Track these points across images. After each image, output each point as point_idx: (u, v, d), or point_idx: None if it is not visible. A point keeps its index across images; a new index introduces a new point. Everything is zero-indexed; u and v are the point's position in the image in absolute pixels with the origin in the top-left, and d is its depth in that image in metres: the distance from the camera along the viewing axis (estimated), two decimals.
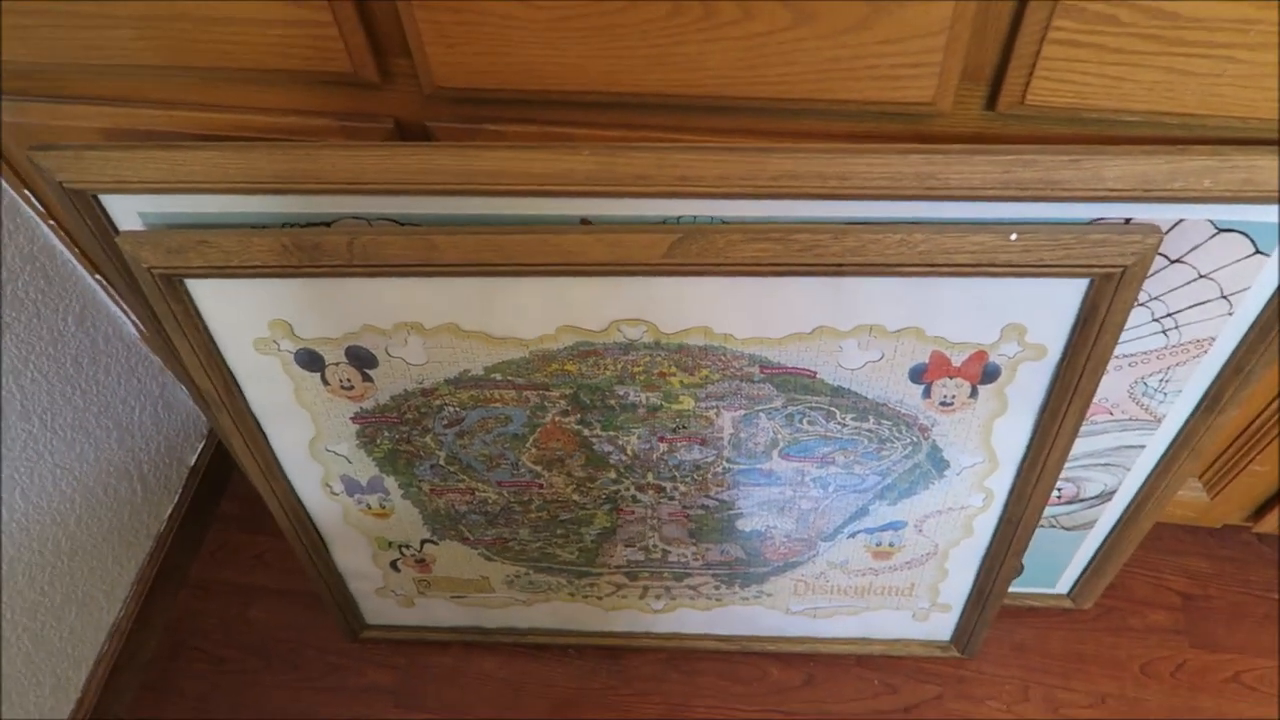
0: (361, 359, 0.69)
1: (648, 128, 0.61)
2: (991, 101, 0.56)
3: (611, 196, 0.58)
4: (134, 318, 0.94)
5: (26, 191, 0.80)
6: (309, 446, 0.77)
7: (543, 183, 0.57)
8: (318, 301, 0.65)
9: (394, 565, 0.91)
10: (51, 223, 0.83)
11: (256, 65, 0.62)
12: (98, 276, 0.89)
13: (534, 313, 0.65)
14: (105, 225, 0.65)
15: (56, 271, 0.85)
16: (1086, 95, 0.53)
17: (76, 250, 0.86)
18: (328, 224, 0.63)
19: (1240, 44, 0.49)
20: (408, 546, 0.88)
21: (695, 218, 0.59)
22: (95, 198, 0.63)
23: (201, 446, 1.10)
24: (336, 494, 0.82)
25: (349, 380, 0.71)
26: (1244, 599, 0.98)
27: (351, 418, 0.74)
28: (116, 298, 0.92)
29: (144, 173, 0.61)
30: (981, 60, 0.54)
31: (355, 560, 0.90)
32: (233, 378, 0.71)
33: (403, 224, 0.62)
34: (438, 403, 0.72)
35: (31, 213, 0.82)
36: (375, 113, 0.65)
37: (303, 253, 0.61)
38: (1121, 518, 0.83)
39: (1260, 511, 0.89)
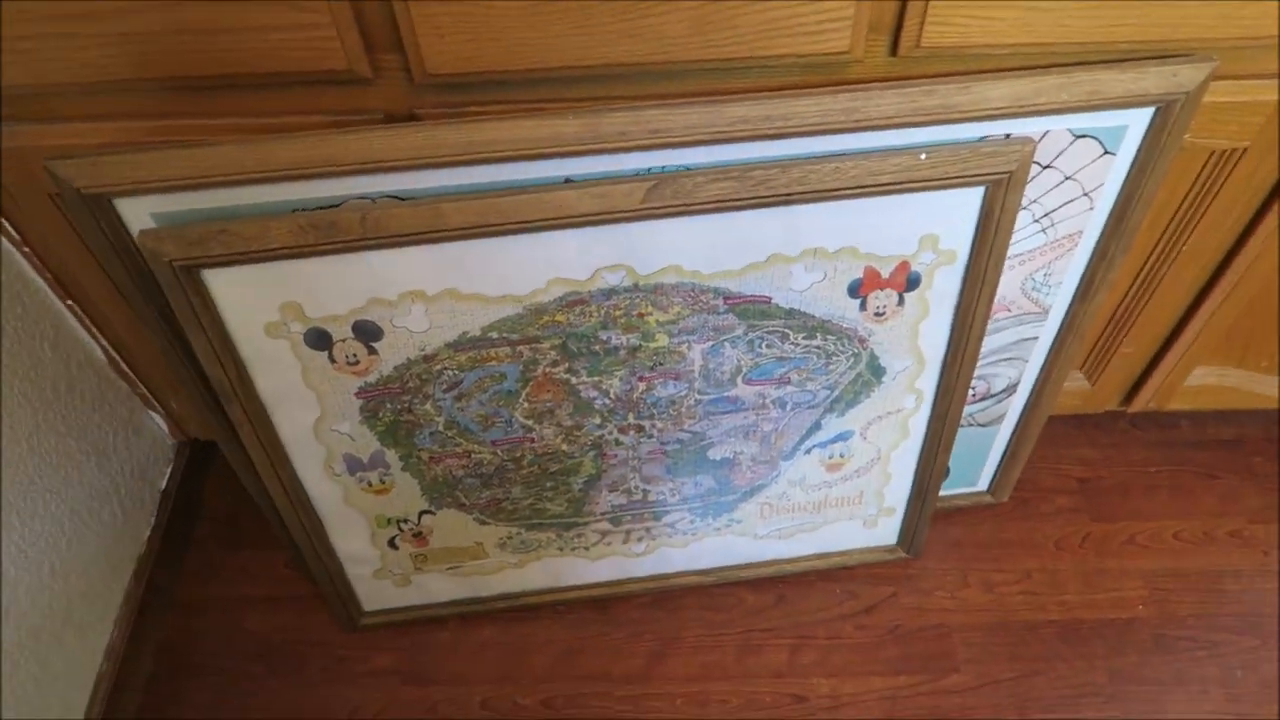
0: (368, 333, 0.76)
1: (618, 98, 0.71)
2: (894, 48, 0.69)
3: (595, 154, 0.68)
4: (104, 342, 0.97)
5: (2, 220, 0.83)
6: (314, 428, 0.83)
7: (535, 146, 0.67)
8: (327, 280, 0.72)
9: (392, 543, 0.96)
10: (26, 249, 0.85)
11: (251, 70, 0.68)
12: (69, 302, 0.92)
13: (526, 269, 0.73)
14: (118, 229, 0.70)
15: (31, 299, 0.88)
16: (967, 35, 0.67)
17: (50, 276, 0.89)
18: (335, 206, 0.70)
19: None
20: (406, 521, 0.94)
21: (665, 168, 0.70)
22: (110, 202, 0.68)
23: (169, 469, 1.11)
24: (338, 474, 0.88)
25: (355, 355, 0.77)
26: (1128, 475, 1.15)
27: (356, 393, 0.80)
28: (88, 323, 0.94)
29: (162, 171, 0.66)
30: (883, 14, 0.67)
31: (354, 543, 0.95)
32: (244, 366, 0.77)
33: (404, 199, 0.70)
34: (438, 368, 0.79)
35: (6, 241, 0.84)
36: (364, 108, 0.73)
37: (318, 231, 0.68)
38: (1025, 407, 0.98)
39: (1131, 393, 1.06)
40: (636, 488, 0.95)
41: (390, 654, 1.04)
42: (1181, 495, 1.13)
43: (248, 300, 0.73)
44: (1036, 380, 0.94)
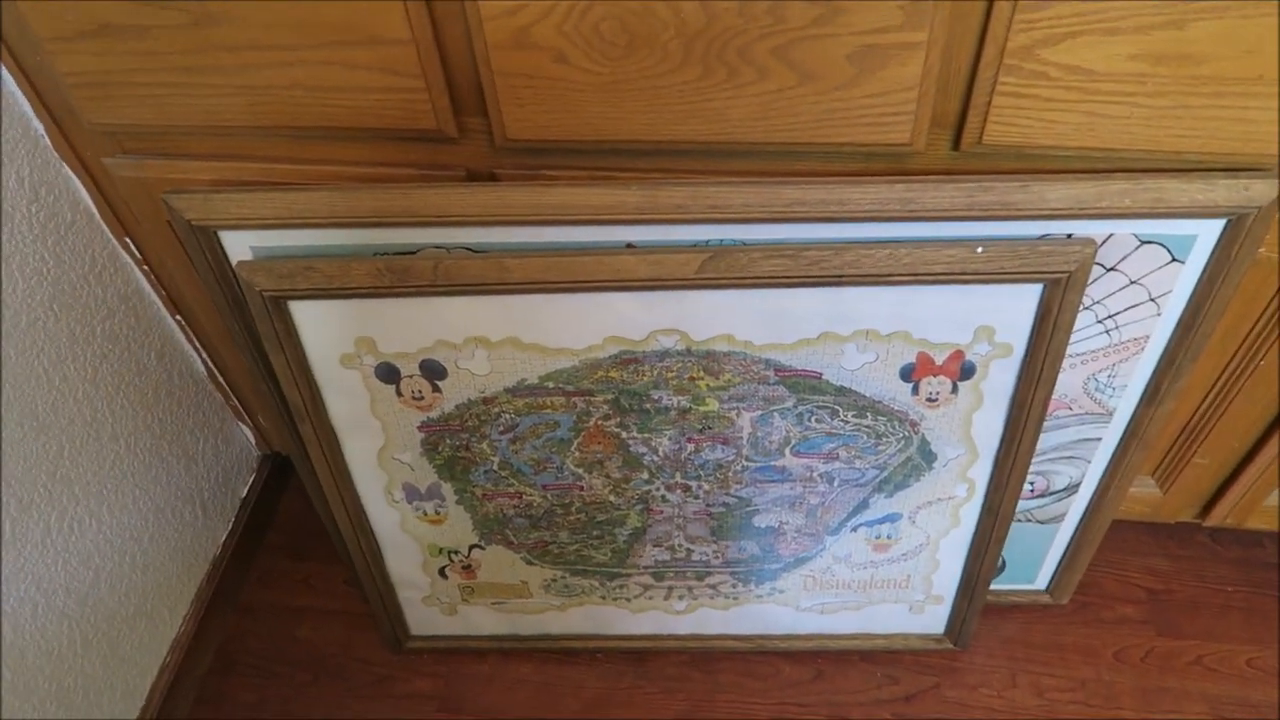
0: (434, 371, 0.81)
1: (681, 170, 0.75)
2: (956, 142, 0.70)
3: (654, 224, 0.71)
4: (205, 355, 1.05)
5: (126, 239, 0.92)
6: (378, 455, 0.88)
7: (598, 213, 0.71)
8: (400, 320, 0.77)
9: (442, 572, 1.00)
10: (145, 268, 0.95)
11: (352, 124, 0.75)
12: (178, 317, 1.00)
13: (584, 326, 0.77)
14: (221, 258, 0.77)
15: (144, 311, 0.97)
16: (1029, 135, 0.68)
17: (163, 293, 0.98)
18: (412, 253, 0.75)
19: (1141, 92, 0.64)
20: (456, 552, 0.98)
21: (722, 241, 0.73)
22: (215, 234, 0.76)
23: (252, 479, 1.19)
24: (397, 501, 0.92)
25: (420, 391, 0.82)
26: (1201, 592, 1.09)
27: (418, 426, 0.85)
28: (192, 337, 1.03)
29: (261, 210, 0.73)
30: (946, 109, 0.68)
31: (406, 568, 1.00)
32: (319, 390, 0.82)
33: (476, 252, 0.75)
34: (496, 410, 0.83)
35: (128, 258, 0.93)
36: (449, 164, 0.78)
37: (394, 275, 0.73)
38: (1087, 509, 0.95)
39: (1208, 506, 1.01)
40: (680, 545, 0.96)
41: (430, 680, 1.07)
42: (1258, 620, 1.06)
43: (327, 332, 0.79)
44: (1100, 482, 0.92)
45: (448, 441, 0.86)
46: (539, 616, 1.05)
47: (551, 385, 0.81)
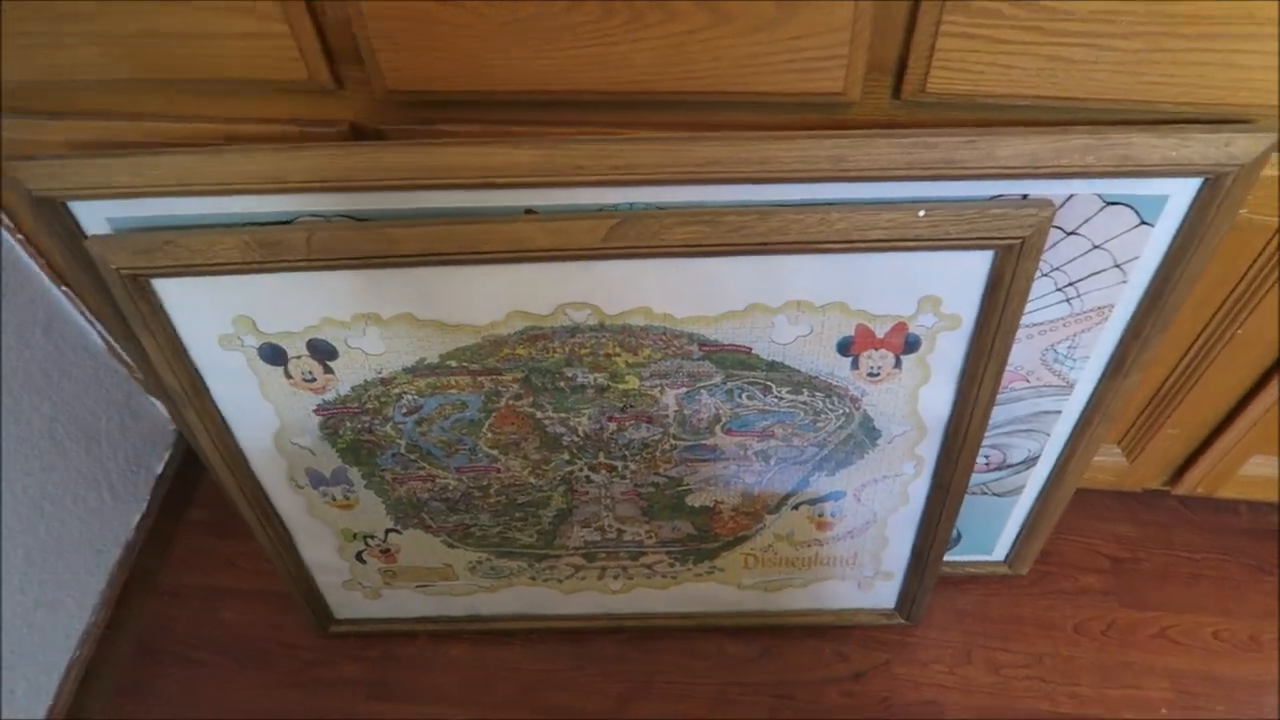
0: (322, 351, 0.73)
1: (587, 124, 0.66)
2: (897, 90, 0.61)
3: (555, 187, 0.63)
4: (100, 328, 0.97)
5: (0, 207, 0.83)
6: (274, 440, 0.80)
7: (490, 175, 0.62)
8: (280, 297, 0.69)
9: (359, 557, 0.94)
10: (20, 236, 0.85)
11: (219, 75, 0.65)
12: (64, 288, 0.92)
13: (485, 300, 0.69)
14: (75, 232, 0.68)
15: (24, 283, 0.88)
16: (980, 83, 0.59)
17: (43, 262, 0.89)
18: (287, 223, 0.67)
19: (1110, 33, 0.55)
20: (372, 537, 0.91)
21: (632, 204, 0.64)
22: (65, 205, 0.67)
23: (169, 454, 1.12)
24: (301, 486, 0.85)
25: (311, 372, 0.74)
26: (1169, 560, 1.04)
27: (314, 409, 0.78)
28: (83, 308, 0.94)
29: (115, 179, 0.64)
30: (885, 53, 0.59)
31: (321, 553, 0.93)
32: (199, 375, 0.75)
33: (360, 220, 0.66)
34: (396, 391, 0.75)
35: (3, 230, 0.84)
36: (331, 118, 0.69)
37: (264, 249, 0.65)
38: (1047, 482, 0.89)
39: (1178, 474, 0.95)
40: (610, 526, 0.90)
41: (358, 664, 1.02)
42: (1228, 589, 1.01)
43: (201, 311, 0.70)
44: (1060, 455, 0.85)
45: (348, 425, 0.79)
46: (468, 599, 1.00)
47: (455, 364, 0.73)
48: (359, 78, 0.65)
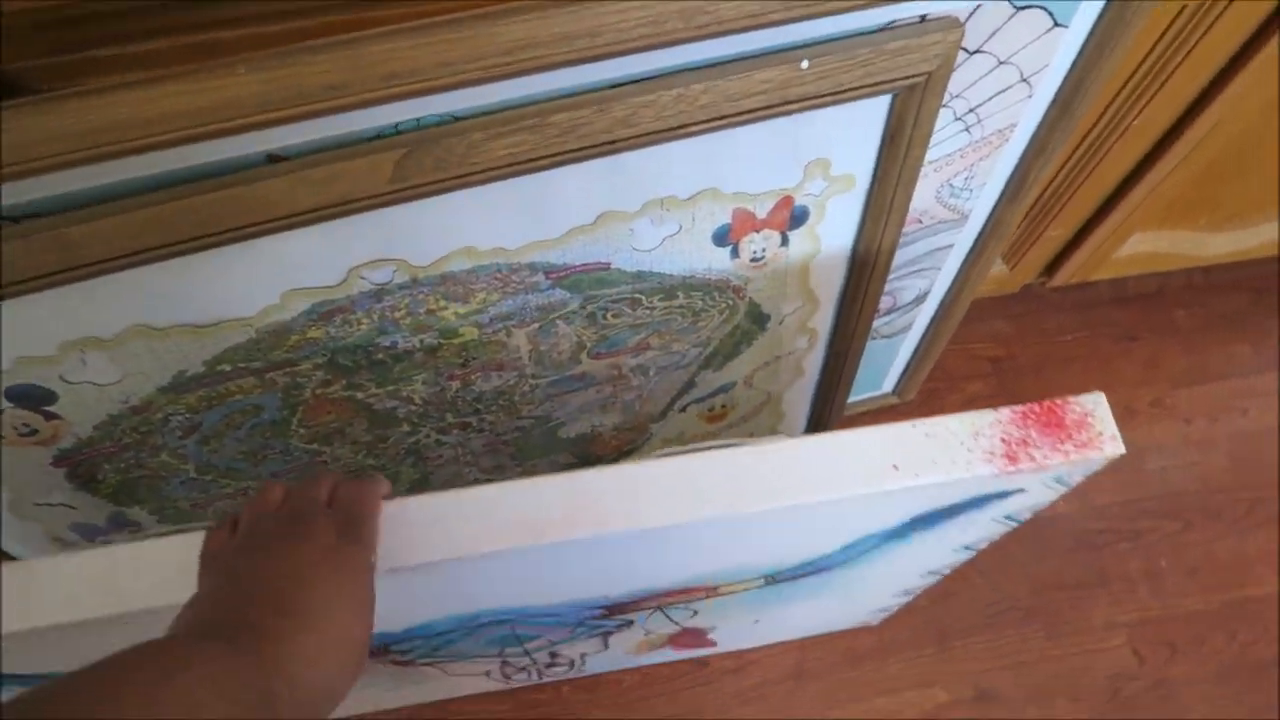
0: (32, 398, 0.52)
1: (326, 11, 0.45)
2: None
3: (299, 120, 0.43)
4: None
5: None
6: (10, 510, 0.60)
7: (196, 124, 0.41)
8: None
9: None
10: None
11: None
12: None
13: (245, 286, 0.50)
14: None
15: None
16: None
17: None
18: None
19: None
20: None
21: (420, 122, 0.45)
22: None
23: None
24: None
25: (28, 424, 0.54)
26: (1043, 348, 1.02)
27: (52, 463, 0.57)
28: None
29: None
30: None
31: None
32: None
33: (17, 222, 0.44)
34: (159, 416, 0.56)
35: None
36: None
37: None
38: (936, 314, 0.81)
39: (1052, 267, 0.90)
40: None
41: None
42: (1099, 364, 1.01)
43: None
44: (950, 288, 0.77)
45: (107, 467, 0.59)
46: None
47: (229, 368, 0.54)
48: None
